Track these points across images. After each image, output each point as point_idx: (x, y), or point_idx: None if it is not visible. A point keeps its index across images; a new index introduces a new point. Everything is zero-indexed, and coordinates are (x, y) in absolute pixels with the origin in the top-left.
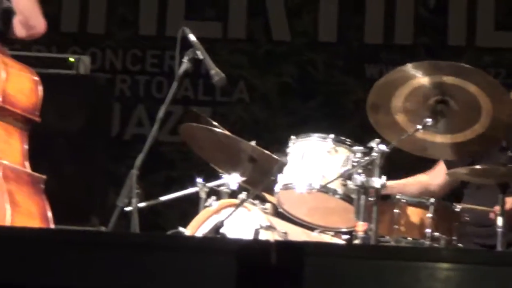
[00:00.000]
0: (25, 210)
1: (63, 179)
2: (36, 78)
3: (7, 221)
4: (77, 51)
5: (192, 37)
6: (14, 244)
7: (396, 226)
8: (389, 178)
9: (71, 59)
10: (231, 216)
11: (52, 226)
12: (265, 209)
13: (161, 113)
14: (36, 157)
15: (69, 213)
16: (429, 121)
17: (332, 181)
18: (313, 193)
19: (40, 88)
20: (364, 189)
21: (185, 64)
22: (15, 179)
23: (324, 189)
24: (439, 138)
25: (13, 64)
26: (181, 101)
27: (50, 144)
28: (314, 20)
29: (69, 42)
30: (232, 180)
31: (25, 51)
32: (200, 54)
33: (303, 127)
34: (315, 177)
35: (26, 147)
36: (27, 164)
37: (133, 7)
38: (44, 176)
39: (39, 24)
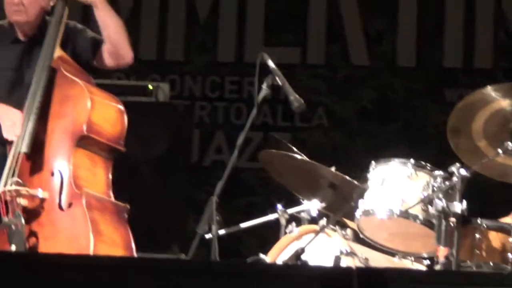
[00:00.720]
0: (108, 239)
1: (143, 206)
2: (121, 107)
3: (90, 250)
4: (156, 78)
5: (271, 63)
6: (96, 272)
7: (477, 251)
8: (469, 204)
9: (151, 87)
10: (312, 243)
11: (134, 254)
12: (346, 235)
13: (240, 139)
14: (117, 184)
15: (150, 240)
16: (510, 145)
17: (413, 206)
18: (394, 219)
19: (125, 117)
20: (444, 214)
21: (264, 90)
22: (98, 208)
23: (405, 215)
24: None
25: (98, 93)
26: (261, 127)
27: (131, 172)
28: (392, 45)
29: (148, 69)
30: (312, 206)
31: (105, 79)
32: (279, 80)
33: (382, 152)
34: (396, 203)
35: (110, 176)
36: (111, 193)
37: (211, 33)
38: (127, 205)
39: (128, 54)
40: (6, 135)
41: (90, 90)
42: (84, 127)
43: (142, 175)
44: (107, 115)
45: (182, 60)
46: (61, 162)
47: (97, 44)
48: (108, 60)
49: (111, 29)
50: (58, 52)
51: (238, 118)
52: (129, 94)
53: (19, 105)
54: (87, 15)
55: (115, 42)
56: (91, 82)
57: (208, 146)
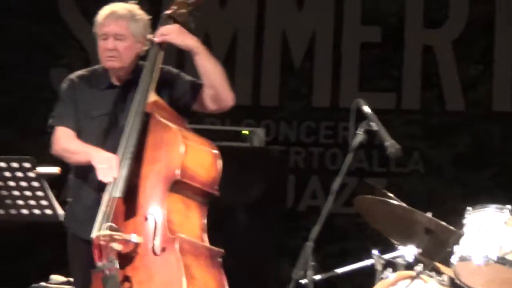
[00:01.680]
0: (202, 284)
1: (238, 251)
2: (216, 151)
3: None
4: (251, 123)
5: (366, 108)
6: None
7: None
8: None
9: (246, 132)
10: None
11: None
12: (442, 281)
13: (335, 185)
14: (212, 229)
15: (244, 286)
16: None
17: (510, 252)
18: (491, 265)
19: (220, 162)
20: None
21: (359, 135)
22: (192, 253)
23: (502, 261)
24: None
25: (192, 137)
26: (356, 173)
27: (226, 217)
28: (488, 90)
29: (243, 115)
30: (408, 251)
31: (199, 124)
32: (374, 125)
33: (478, 198)
34: (492, 249)
35: (204, 221)
36: (205, 237)
37: (306, 79)
38: (222, 250)
39: (229, 98)
40: (103, 177)
41: (183, 135)
42: (178, 172)
43: (237, 220)
44: (201, 160)
45: (277, 105)
46: (155, 207)
47: (196, 87)
48: (209, 103)
49: (212, 74)
50: (152, 97)
51: (333, 163)
52: (224, 139)
53: (113, 150)
54: (182, 59)
55: (216, 86)
56: (185, 127)
57: (303, 191)
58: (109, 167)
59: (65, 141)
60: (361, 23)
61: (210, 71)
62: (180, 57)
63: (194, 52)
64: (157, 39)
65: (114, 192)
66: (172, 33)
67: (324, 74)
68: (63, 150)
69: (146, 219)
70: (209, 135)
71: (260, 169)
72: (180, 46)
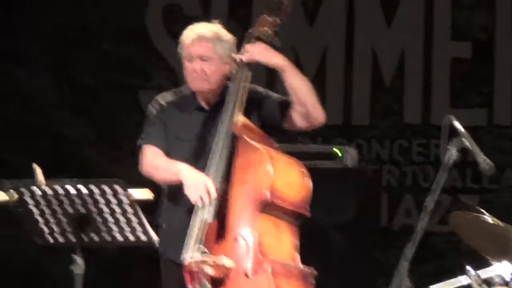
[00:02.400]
0: None
1: (332, 271)
2: (305, 171)
3: None
4: (343, 142)
5: (458, 125)
6: None
7: None
8: None
9: (337, 151)
10: None
11: None
12: None
13: (429, 202)
14: (305, 249)
15: None
16: None
17: None
18: None
19: (309, 182)
20: None
21: (452, 152)
22: (284, 274)
23: None
24: None
25: (280, 158)
26: (449, 190)
27: (318, 237)
28: None
29: (334, 134)
30: (504, 269)
31: (289, 143)
32: (467, 142)
33: None
34: None
35: (296, 241)
36: (297, 258)
37: (397, 96)
38: (314, 270)
39: (320, 115)
40: (189, 192)
41: (271, 156)
42: (267, 193)
43: (330, 239)
44: (290, 180)
45: (368, 124)
46: (245, 229)
47: (285, 105)
48: (300, 121)
49: (301, 91)
50: (240, 118)
51: (426, 181)
52: (316, 159)
53: (203, 172)
54: (272, 78)
55: (306, 104)
56: (274, 147)
57: (397, 209)
58: (204, 191)
59: (154, 157)
60: (451, 38)
61: (299, 88)
62: (270, 76)
63: (281, 69)
64: (243, 57)
65: (205, 215)
66: (258, 52)
67: (415, 91)
68: (152, 166)
69: (237, 241)
70: (300, 155)
71: (353, 188)
72: (267, 64)
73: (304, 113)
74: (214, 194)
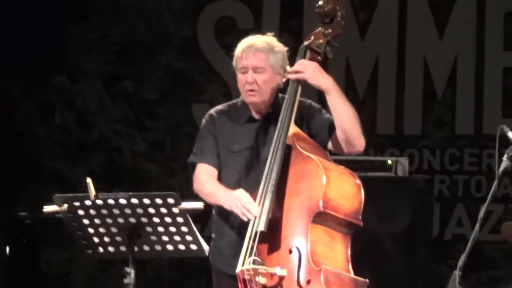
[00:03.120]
0: None
1: (384, 280)
2: (358, 181)
3: None
4: (395, 153)
5: (510, 135)
6: None
7: None
8: None
9: (390, 162)
10: None
11: None
12: None
13: (481, 212)
14: (357, 259)
15: None
16: None
17: None
18: None
19: (362, 192)
20: None
21: (504, 162)
22: (337, 284)
23: None
24: None
25: (334, 168)
26: (502, 199)
27: (371, 247)
28: None
29: (386, 144)
30: None
31: (342, 155)
32: None
33: None
34: None
35: (349, 251)
36: (350, 268)
37: (448, 106)
38: (367, 280)
39: (360, 144)
40: (242, 216)
41: (325, 166)
42: (321, 203)
43: (383, 249)
44: (344, 190)
45: (420, 134)
46: (298, 239)
47: (333, 127)
48: (339, 147)
49: (343, 117)
50: (293, 128)
51: (478, 190)
52: (368, 169)
53: (256, 183)
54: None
55: (346, 130)
56: (327, 158)
57: (449, 219)
58: (245, 205)
59: (202, 181)
60: (503, 48)
61: (341, 113)
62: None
63: (326, 92)
64: (292, 76)
65: (258, 225)
66: (307, 72)
67: (467, 101)
68: (199, 190)
69: (290, 251)
70: (353, 166)
71: (405, 198)
72: (313, 85)
73: (344, 139)
74: (267, 206)
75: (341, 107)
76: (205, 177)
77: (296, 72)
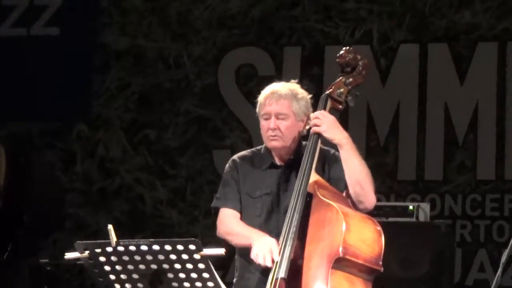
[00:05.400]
0: None
1: None
2: (379, 228)
3: None
4: (416, 198)
5: None
6: None
7: None
8: None
9: (411, 207)
10: None
11: None
12: None
13: (503, 257)
14: None
15: None
16: None
17: None
18: None
19: (382, 238)
20: None
21: None
22: None
23: None
24: None
25: (353, 214)
26: None
27: None
28: None
29: (407, 189)
30: None
31: None
32: None
33: None
34: None
35: None
36: None
37: (470, 151)
38: None
39: (369, 201)
40: (262, 261)
41: (344, 212)
42: (340, 249)
43: None
44: (364, 236)
45: (441, 179)
46: (319, 285)
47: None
48: (351, 201)
49: (354, 172)
50: (314, 176)
51: (500, 235)
52: (389, 215)
53: (276, 230)
54: None
55: (356, 185)
56: (348, 205)
57: (471, 265)
58: (268, 252)
59: (229, 223)
60: None
61: (353, 168)
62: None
63: (340, 146)
64: (312, 129)
65: (279, 272)
66: (323, 125)
67: (488, 146)
68: (226, 233)
69: None
70: (374, 212)
71: (426, 243)
72: (327, 139)
73: (354, 194)
74: (288, 253)
75: (354, 162)
76: (232, 220)
77: (314, 125)
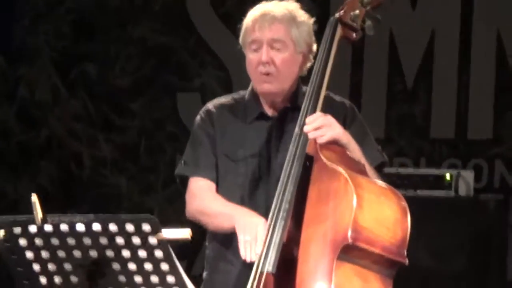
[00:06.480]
0: None
1: None
2: (403, 203)
3: None
4: (455, 164)
5: None
6: None
7: None
8: None
9: (448, 176)
10: None
11: None
12: None
13: None
14: None
15: None
16: None
17: None
18: None
19: (408, 219)
20: None
21: None
22: None
23: None
24: None
25: (369, 185)
26: None
27: None
28: None
29: (443, 152)
30: None
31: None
32: None
33: None
34: None
35: None
36: None
37: None
38: None
39: None
40: (244, 253)
41: (356, 182)
42: (349, 233)
43: None
44: (382, 216)
45: (491, 138)
46: (319, 283)
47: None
48: None
49: None
50: None
51: None
52: (419, 186)
53: (265, 205)
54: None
55: None
56: (362, 171)
57: None
58: (253, 239)
59: (203, 199)
60: None
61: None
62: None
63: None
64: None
65: (265, 265)
66: (332, 128)
67: None
68: (200, 212)
69: None
70: (398, 181)
71: (469, 226)
72: (343, 144)
73: None
74: (278, 239)
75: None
76: (208, 194)
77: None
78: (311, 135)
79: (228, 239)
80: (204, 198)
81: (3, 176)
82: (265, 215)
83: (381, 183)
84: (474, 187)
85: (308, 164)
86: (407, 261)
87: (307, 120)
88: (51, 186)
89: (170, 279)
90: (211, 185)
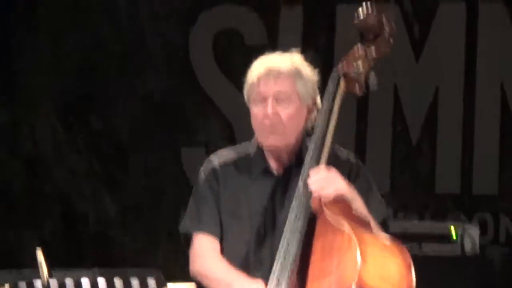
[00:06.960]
0: None
1: None
2: (408, 259)
3: None
4: (460, 218)
5: None
6: None
7: None
8: None
9: (453, 231)
10: None
11: None
12: None
13: None
14: None
15: None
16: None
17: None
18: None
19: (413, 274)
20: None
21: None
22: None
23: None
24: None
25: (373, 241)
26: None
27: None
28: None
29: (448, 206)
30: None
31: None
32: None
33: None
34: None
35: None
36: None
37: None
38: None
39: None
40: None
41: (360, 238)
42: None
43: None
44: (387, 271)
45: (496, 193)
46: None
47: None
48: None
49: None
50: None
51: None
52: (424, 241)
53: (270, 260)
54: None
55: None
56: (366, 227)
57: None
58: None
59: (206, 260)
60: None
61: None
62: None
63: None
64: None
65: None
66: (335, 183)
67: None
68: (202, 274)
69: None
70: (403, 237)
71: (474, 283)
72: (348, 198)
73: None
74: None
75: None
76: (212, 255)
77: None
78: (315, 193)
79: None
80: (207, 259)
81: (7, 228)
82: (270, 271)
83: (385, 237)
84: (480, 242)
85: (312, 218)
86: None
87: (311, 173)
88: (54, 241)
89: None
90: (215, 244)
